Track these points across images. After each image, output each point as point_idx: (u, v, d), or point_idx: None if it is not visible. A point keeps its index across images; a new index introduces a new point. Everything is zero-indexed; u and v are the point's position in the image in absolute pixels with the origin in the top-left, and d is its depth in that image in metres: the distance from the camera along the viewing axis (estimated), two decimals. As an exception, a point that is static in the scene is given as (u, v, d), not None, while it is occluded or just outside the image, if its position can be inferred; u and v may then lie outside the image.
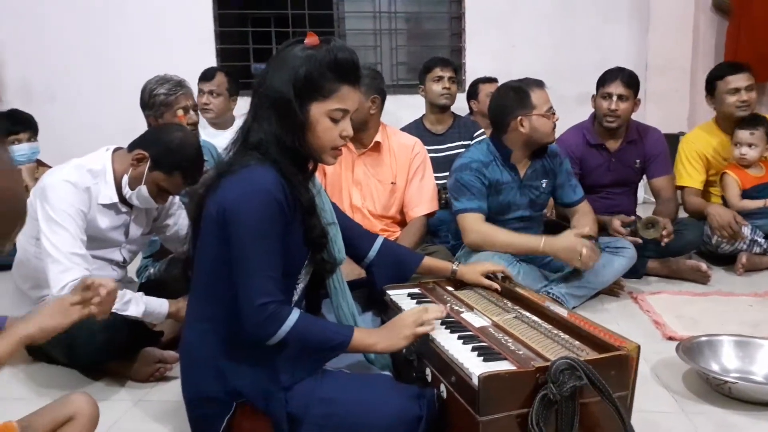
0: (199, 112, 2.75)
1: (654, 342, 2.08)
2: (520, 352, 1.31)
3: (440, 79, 3.28)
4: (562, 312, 1.52)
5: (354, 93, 1.40)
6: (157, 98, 2.34)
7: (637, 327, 2.23)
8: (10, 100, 4.23)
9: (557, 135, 2.71)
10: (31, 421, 1.25)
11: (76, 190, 1.86)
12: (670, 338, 2.08)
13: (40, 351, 2.01)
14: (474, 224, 2.37)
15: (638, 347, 1.31)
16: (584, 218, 2.54)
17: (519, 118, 2.35)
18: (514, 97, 2.37)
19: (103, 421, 1.35)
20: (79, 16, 4.21)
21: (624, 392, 1.27)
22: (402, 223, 2.64)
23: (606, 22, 4.57)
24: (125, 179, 1.93)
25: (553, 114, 2.39)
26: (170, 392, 1.81)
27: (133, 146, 1.95)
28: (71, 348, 1.83)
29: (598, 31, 4.56)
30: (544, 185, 2.51)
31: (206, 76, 3.24)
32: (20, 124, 3.26)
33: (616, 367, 1.26)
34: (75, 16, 4.21)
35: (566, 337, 1.40)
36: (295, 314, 1.34)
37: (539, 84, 2.40)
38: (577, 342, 1.36)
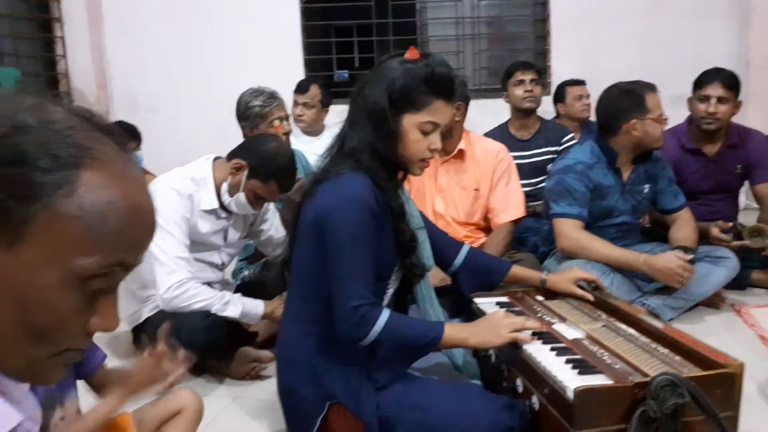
0: (293, 122, 2.87)
1: (761, 359, 1.96)
2: (617, 366, 1.28)
3: (521, 82, 3.23)
4: (660, 325, 1.46)
5: (447, 108, 1.43)
6: (253, 110, 2.46)
7: (741, 342, 2.11)
8: (116, 111, 4.55)
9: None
10: (143, 413, 1.34)
11: (180, 197, 1.99)
12: (779, 355, 1.96)
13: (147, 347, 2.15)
14: (571, 231, 2.31)
15: (743, 365, 1.24)
16: (684, 227, 2.42)
17: (633, 121, 2.29)
18: (629, 100, 2.31)
19: (204, 415, 1.44)
20: (180, 32, 4.47)
21: (730, 413, 1.21)
22: (486, 229, 2.62)
23: (702, 19, 4.34)
24: (225, 186, 2.03)
25: (666, 119, 2.32)
26: (266, 390, 1.89)
27: (231, 155, 2.06)
28: (174, 346, 1.94)
29: (694, 28, 4.34)
30: (646, 190, 2.44)
31: (301, 88, 3.37)
32: (127, 134, 3.51)
33: (722, 385, 1.20)
34: (176, 33, 4.48)
35: (665, 351, 1.35)
36: (385, 314, 1.37)
37: (653, 87, 2.33)
38: (677, 357, 1.31)
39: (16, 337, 0.51)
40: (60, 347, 0.54)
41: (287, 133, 2.52)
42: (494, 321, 1.43)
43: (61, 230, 0.50)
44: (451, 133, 2.50)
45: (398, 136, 1.41)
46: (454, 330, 1.41)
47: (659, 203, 2.50)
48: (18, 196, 0.49)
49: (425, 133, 1.41)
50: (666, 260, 2.19)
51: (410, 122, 1.40)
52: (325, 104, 3.37)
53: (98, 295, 0.54)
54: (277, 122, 2.43)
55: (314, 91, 3.33)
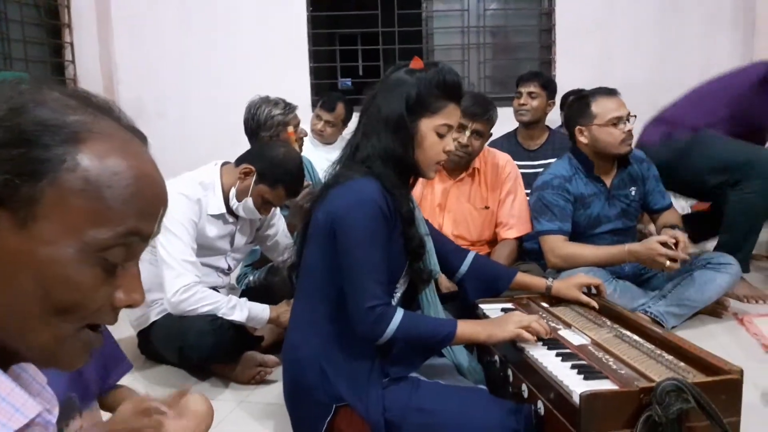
0: (309, 132, 3.02)
1: (764, 367, 1.96)
2: (622, 372, 1.29)
3: (519, 95, 3.26)
4: (664, 332, 1.48)
5: (457, 110, 1.51)
6: (276, 119, 2.49)
7: (744, 350, 2.11)
8: (123, 116, 4.56)
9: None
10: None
11: (189, 201, 2.01)
12: (782, 364, 1.97)
13: (152, 351, 2.16)
14: (556, 247, 2.32)
15: (741, 371, 1.25)
16: (671, 216, 2.46)
17: (578, 128, 2.33)
18: (576, 107, 2.37)
19: (211, 419, 1.45)
20: (189, 38, 4.47)
21: (734, 418, 1.22)
22: (492, 242, 2.59)
23: (708, 28, 4.35)
24: (233, 192, 2.05)
25: (623, 124, 2.28)
26: (271, 394, 1.90)
27: (240, 161, 2.08)
28: (182, 349, 1.96)
29: (700, 37, 4.34)
30: (633, 193, 2.45)
31: (327, 106, 3.41)
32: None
33: (726, 391, 1.21)
34: (184, 39, 4.48)
35: (670, 357, 1.36)
36: (400, 312, 1.40)
37: (609, 92, 2.33)
38: (682, 363, 1.32)
39: (39, 315, 0.52)
40: (84, 321, 0.54)
41: (301, 140, 2.56)
42: (505, 317, 1.48)
43: (70, 204, 0.51)
44: (472, 150, 2.40)
45: (416, 141, 1.47)
46: (467, 326, 1.45)
47: (648, 203, 2.52)
48: (24, 175, 0.50)
49: (441, 136, 1.48)
50: (647, 245, 2.16)
51: (427, 126, 1.47)
52: (345, 122, 3.41)
53: (119, 268, 0.55)
54: (290, 129, 2.47)
55: (339, 110, 3.39)
